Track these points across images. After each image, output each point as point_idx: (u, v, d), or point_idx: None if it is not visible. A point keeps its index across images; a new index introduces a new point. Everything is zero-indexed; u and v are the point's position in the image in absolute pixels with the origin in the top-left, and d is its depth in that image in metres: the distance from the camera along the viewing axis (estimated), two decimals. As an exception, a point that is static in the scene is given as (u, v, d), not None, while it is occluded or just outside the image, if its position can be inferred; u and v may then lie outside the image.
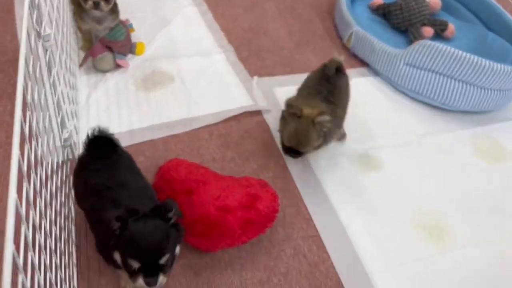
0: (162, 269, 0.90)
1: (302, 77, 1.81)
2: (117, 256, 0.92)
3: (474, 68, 1.67)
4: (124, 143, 1.25)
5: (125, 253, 0.90)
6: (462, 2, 2.23)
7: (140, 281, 0.88)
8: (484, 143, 1.75)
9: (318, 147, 1.40)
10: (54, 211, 0.96)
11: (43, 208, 0.84)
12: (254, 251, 1.27)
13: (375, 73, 1.92)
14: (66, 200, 1.15)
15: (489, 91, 1.74)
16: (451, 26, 2.06)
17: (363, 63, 1.96)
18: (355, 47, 1.95)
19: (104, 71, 1.70)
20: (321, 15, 2.18)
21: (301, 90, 1.50)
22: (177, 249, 0.95)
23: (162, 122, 1.55)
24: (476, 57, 1.66)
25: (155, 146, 1.49)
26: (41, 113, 0.93)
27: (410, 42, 1.98)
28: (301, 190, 1.45)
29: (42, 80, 1.01)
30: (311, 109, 1.31)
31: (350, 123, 1.65)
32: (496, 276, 1.34)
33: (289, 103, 1.35)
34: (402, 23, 2.03)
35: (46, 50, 1.02)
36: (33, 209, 0.76)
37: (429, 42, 1.72)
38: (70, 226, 1.15)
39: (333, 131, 1.38)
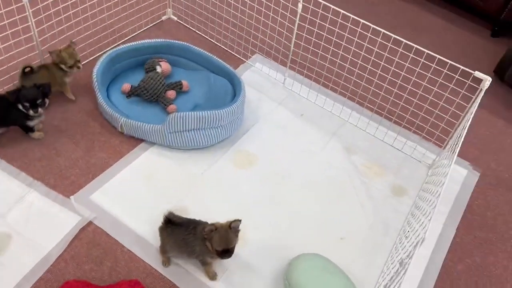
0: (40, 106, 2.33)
1: (105, 176, 2.38)
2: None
3: (211, 119, 2.47)
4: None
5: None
6: (185, 57, 3.00)
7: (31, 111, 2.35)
8: (240, 155, 2.63)
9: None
10: None
11: None
12: (141, 320, 1.90)
13: (153, 143, 2.60)
14: None
15: (229, 124, 2.59)
16: (185, 83, 2.82)
17: (140, 139, 2.60)
18: (130, 131, 2.58)
19: None
20: (92, 115, 2.70)
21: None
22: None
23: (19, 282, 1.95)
24: (208, 112, 2.45)
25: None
26: None
27: (164, 108, 2.69)
28: (146, 260, 2.09)
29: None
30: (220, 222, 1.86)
31: (153, 193, 2.32)
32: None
33: (206, 230, 1.84)
34: (151, 97, 2.71)
35: None
36: None
37: (175, 114, 2.44)
38: None
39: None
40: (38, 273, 1.99)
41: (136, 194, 2.35)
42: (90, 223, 2.20)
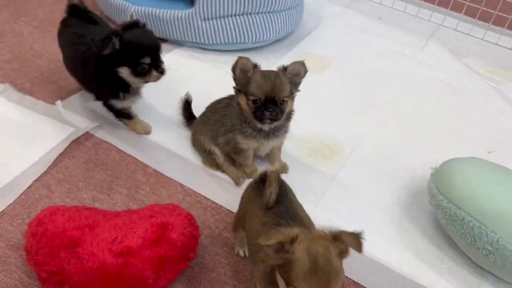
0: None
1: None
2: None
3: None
4: None
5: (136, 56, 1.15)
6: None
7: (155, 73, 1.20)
8: (307, 58, 1.78)
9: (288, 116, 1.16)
10: None
11: None
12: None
13: (178, 44, 1.77)
14: None
15: (287, 12, 1.77)
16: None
17: (160, 39, 1.77)
18: (143, 27, 1.75)
19: None
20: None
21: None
22: None
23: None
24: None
25: (-17, 239, 1.05)
26: None
27: (189, 4, 1.88)
28: (185, 183, 1.23)
29: None
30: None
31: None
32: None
33: (236, 68, 1.08)
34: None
35: None
36: None
37: (213, -12, 1.64)
38: None
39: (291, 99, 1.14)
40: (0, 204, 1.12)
41: (163, 99, 1.50)
42: (89, 136, 1.34)
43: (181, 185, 1.23)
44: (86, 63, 1.21)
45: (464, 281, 1.08)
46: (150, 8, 1.70)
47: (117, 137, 1.34)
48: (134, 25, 1.19)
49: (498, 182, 1.10)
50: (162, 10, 1.69)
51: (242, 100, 1.11)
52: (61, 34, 1.34)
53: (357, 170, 1.34)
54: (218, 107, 1.25)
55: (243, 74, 1.09)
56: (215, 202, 1.20)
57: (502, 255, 1.01)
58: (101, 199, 1.17)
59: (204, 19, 1.67)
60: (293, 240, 0.70)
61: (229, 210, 1.18)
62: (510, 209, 1.03)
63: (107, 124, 1.38)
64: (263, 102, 1.08)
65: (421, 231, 1.19)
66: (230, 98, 1.24)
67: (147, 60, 1.17)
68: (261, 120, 1.10)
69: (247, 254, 1.06)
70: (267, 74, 1.08)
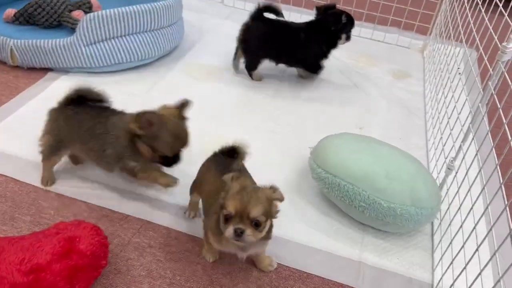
0: None
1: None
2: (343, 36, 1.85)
3: (144, 15, 1.75)
4: None
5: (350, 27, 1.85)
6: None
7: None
8: (194, 68, 1.93)
9: None
10: None
11: None
12: None
13: (64, 71, 1.79)
14: None
15: (168, 30, 1.89)
16: (94, 1, 2.07)
17: (45, 70, 1.79)
18: (24, 59, 1.75)
19: None
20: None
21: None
22: None
23: None
24: (141, 6, 1.74)
25: None
26: None
27: (72, 31, 1.91)
28: (89, 200, 1.28)
29: None
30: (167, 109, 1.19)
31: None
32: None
33: (142, 121, 1.11)
34: (51, 18, 1.91)
35: None
36: None
37: (92, 14, 1.69)
38: None
39: None
40: None
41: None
42: (-21, 172, 1.34)
43: (86, 203, 1.28)
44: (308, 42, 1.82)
45: (350, 238, 1.26)
46: (31, 40, 1.71)
47: (12, 169, 1.34)
48: (333, 6, 1.81)
49: (362, 149, 1.30)
50: (43, 40, 1.71)
51: (144, 149, 1.15)
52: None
53: (251, 160, 1.48)
54: (94, 129, 1.22)
55: (148, 127, 1.12)
56: (121, 213, 1.26)
57: (374, 208, 1.21)
58: (5, 230, 1.18)
59: (87, 45, 1.72)
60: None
61: (136, 218, 1.25)
62: (373, 169, 1.23)
63: (0, 157, 1.38)
64: (171, 156, 1.18)
65: (310, 203, 1.35)
66: (105, 116, 1.22)
67: (353, 29, 1.85)
68: (170, 166, 1.21)
69: (196, 215, 1.26)
70: (174, 127, 1.15)
